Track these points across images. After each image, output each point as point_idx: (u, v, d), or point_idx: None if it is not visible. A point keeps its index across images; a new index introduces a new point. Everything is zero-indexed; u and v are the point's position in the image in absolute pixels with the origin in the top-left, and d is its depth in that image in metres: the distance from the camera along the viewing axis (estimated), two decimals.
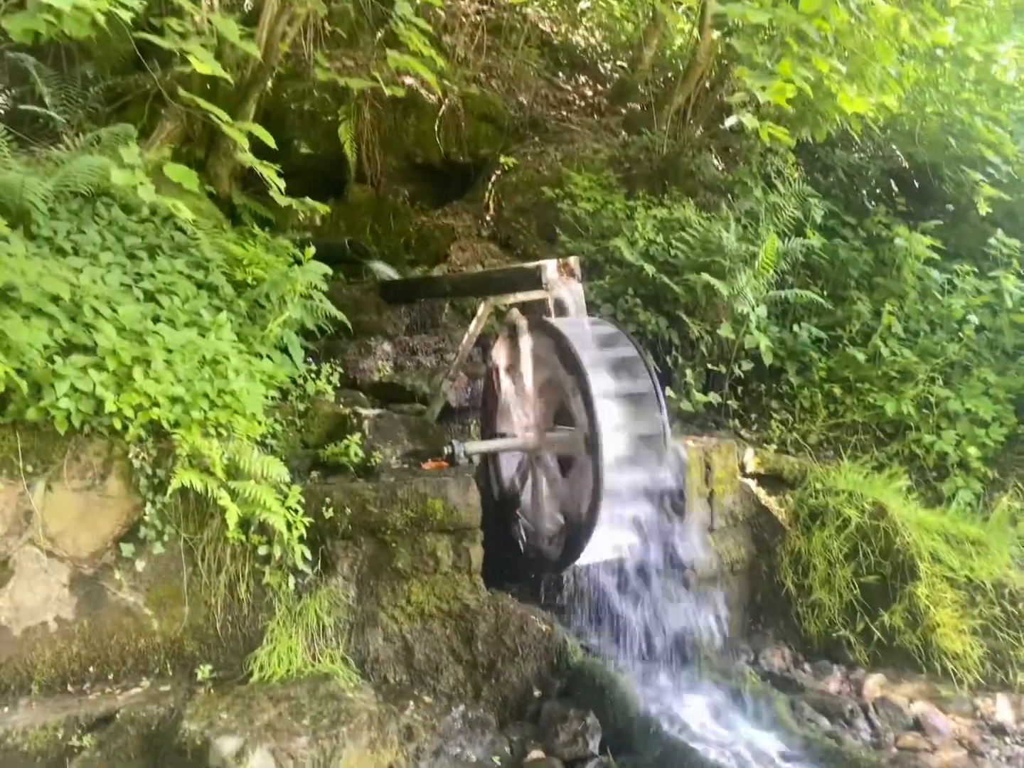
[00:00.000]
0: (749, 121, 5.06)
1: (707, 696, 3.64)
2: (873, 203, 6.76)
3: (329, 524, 3.65)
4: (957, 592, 4.28)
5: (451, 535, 3.75)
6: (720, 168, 7.07)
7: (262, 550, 3.51)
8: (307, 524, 3.53)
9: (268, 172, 4.53)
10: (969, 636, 4.19)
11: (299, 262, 4.53)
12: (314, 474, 4.00)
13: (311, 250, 4.51)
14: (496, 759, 3.43)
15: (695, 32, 7.62)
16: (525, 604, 3.94)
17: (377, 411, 4.26)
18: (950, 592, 4.28)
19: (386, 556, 3.70)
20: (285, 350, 4.49)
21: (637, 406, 3.79)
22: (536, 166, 7.17)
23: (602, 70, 9.12)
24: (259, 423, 3.72)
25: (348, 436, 4.06)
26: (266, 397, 3.90)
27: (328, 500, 3.65)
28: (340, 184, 7.51)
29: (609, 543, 3.82)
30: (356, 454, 3.93)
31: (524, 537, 4.25)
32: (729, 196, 6.55)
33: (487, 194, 7.31)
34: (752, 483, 4.72)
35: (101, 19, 3.47)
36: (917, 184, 6.63)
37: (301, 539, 3.52)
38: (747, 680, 3.79)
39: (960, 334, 5.54)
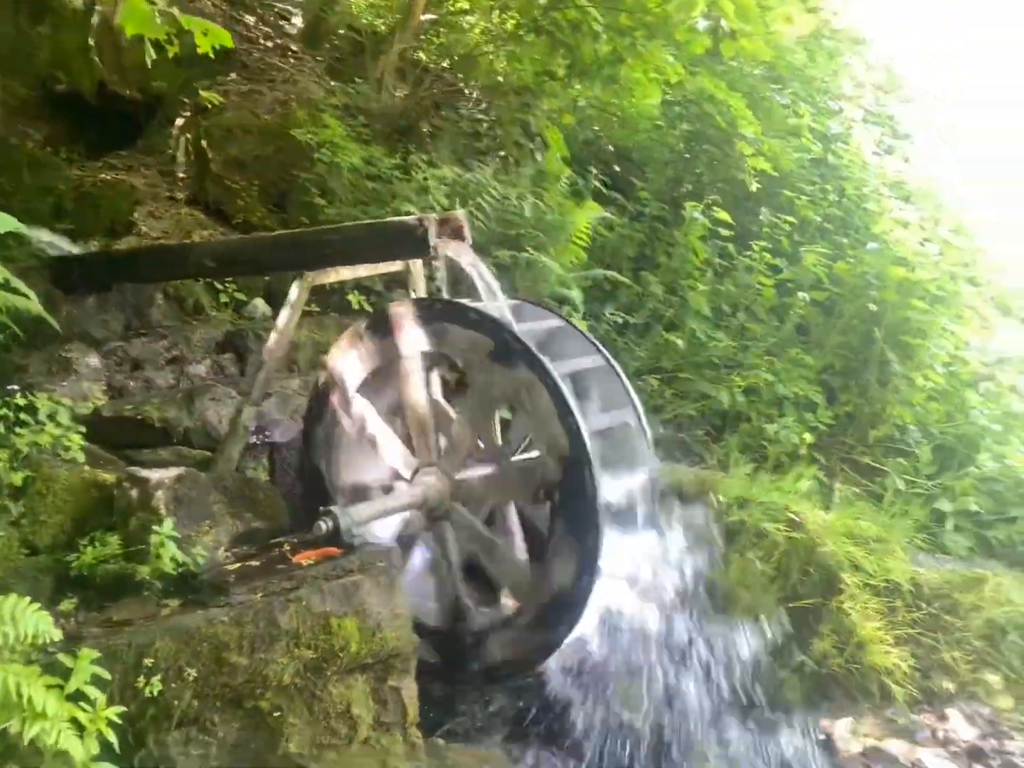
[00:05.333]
0: None
1: None
2: (639, 180, 6.26)
3: (154, 708, 1.87)
4: (878, 600, 3.83)
5: (371, 672, 2.20)
6: (479, 130, 6.00)
7: None
8: (114, 718, 1.73)
9: None
10: (896, 648, 3.77)
11: None
12: (66, 604, 2.11)
13: None
14: None
15: None
16: (459, 745, 2.54)
17: (176, 471, 2.41)
18: (872, 601, 3.81)
19: (265, 738, 2.03)
20: None
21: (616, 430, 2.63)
22: (252, 107, 5.38)
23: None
24: None
25: (127, 521, 2.23)
26: None
27: (148, 660, 1.86)
28: None
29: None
30: (171, 556, 2.13)
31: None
32: (503, 159, 5.54)
33: (177, 142, 5.33)
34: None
35: None
36: (687, 157, 6.28)
37: (106, 752, 1.71)
38: None
39: (780, 314, 5.22)
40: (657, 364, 5.14)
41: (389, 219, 2.90)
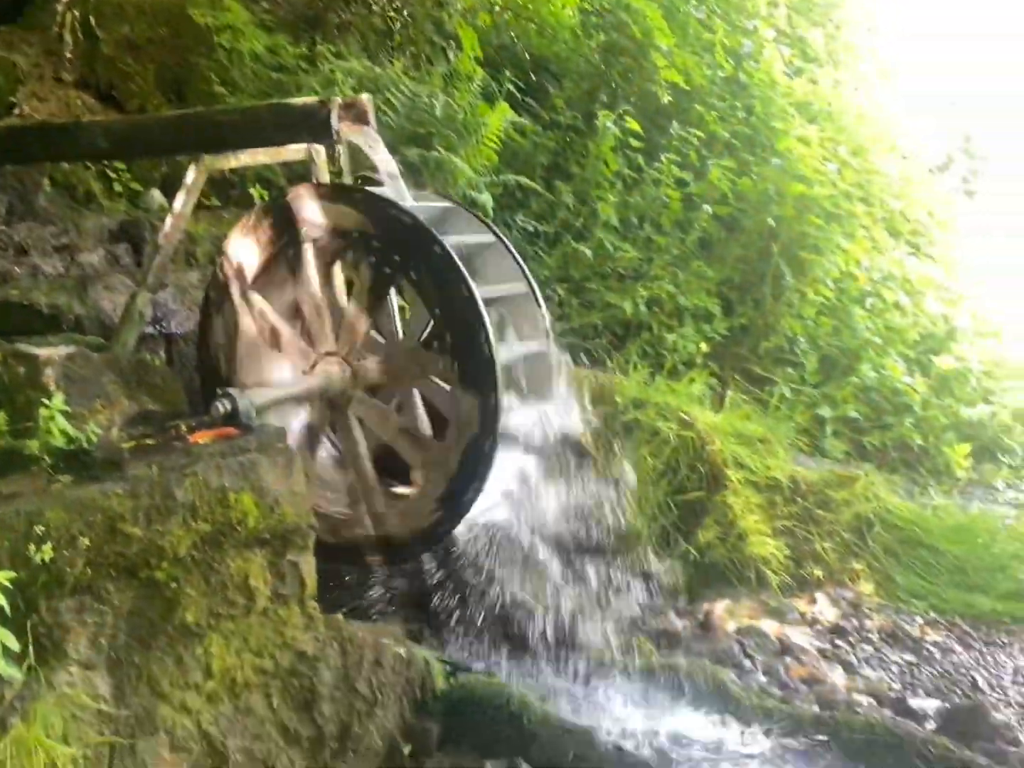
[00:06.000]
0: None
1: (624, 687, 2.82)
2: (556, 90, 6.19)
3: (46, 575, 1.87)
4: (759, 495, 4.09)
5: (268, 547, 2.24)
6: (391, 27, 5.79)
7: None
8: (5, 583, 1.74)
9: None
10: (773, 538, 4.05)
11: None
12: None
13: None
14: None
15: None
16: (359, 622, 2.64)
17: (66, 349, 2.35)
18: (754, 496, 4.07)
19: (161, 608, 2.06)
20: None
21: (516, 316, 2.68)
22: None
23: None
24: None
25: (13, 399, 2.18)
26: None
27: (39, 529, 1.86)
28: None
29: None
30: (61, 430, 2.10)
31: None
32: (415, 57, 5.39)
33: (64, 19, 4.95)
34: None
35: None
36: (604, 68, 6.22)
37: None
38: (642, 653, 3.06)
39: (685, 227, 5.33)
40: (566, 274, 5.20)
41: (291, 100, 2.82)
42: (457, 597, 3.03)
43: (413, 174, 4.51)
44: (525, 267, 2.89)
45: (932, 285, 6.03)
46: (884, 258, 5.95)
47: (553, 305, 5.07)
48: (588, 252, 5.10)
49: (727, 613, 3.68)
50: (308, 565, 2.33)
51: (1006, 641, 3.56)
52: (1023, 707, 3.11)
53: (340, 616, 2.57)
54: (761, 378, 5.12)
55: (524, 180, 5.28)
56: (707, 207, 5.19)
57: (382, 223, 2.51)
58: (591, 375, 4.09)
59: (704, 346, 4.98)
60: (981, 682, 3.27)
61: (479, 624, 3.00)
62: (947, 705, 3.03)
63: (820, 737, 2.53)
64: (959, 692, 3.20)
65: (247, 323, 2.80)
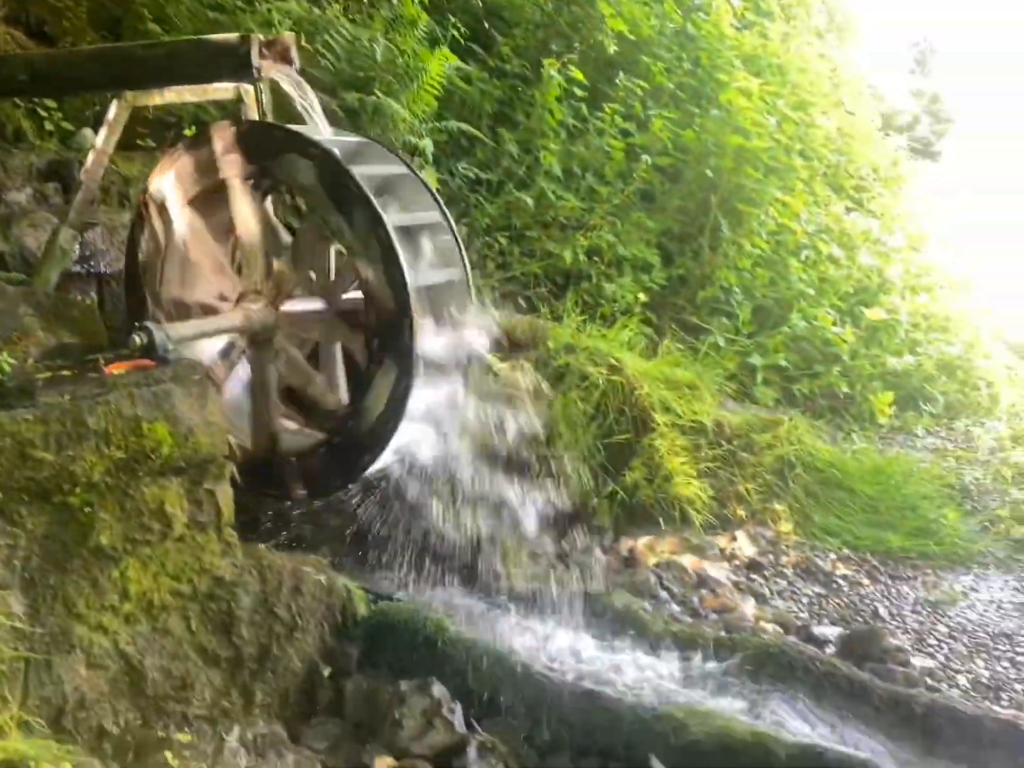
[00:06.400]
0: None
1: (540, 614, 2.95)
2: (499, 33, 6.15)
3: None
4: (686, 438, 4.23)
5: (185, 475, 2.31)
6: None
7: None
8: None
9: None
10: (698, 480, 4.20)
11: None
12: None
13: None
14: None
15: None
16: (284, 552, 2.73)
17: None
18: (680, 439, 4.21)
19: (76, 532, 2.13)
20: None
21: (433, 249, 2.74)
22: None
23: None
24: None
25: None
26: None
27: None
28: None
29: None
30: None
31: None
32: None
33: None
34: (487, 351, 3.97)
35: None
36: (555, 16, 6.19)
37: None
38: (562, 582, 3.19)
39: (627, 178, 5.38)
40: (507, 222, 5.25)
41: (211, 36, 2.81)
42: (381, 530, 3.13)
43: (352, 118, 4.52)
44: (439, 197, 2.93)
45: (868, 240, 6.17)
46: (822, 212, 6.07)
47: (494, 253, 5.14)
48: (530, 201, 5.14)
49: (649, 548, 3.83)
50: (224, 494, 2.40)
51: (911, 575, 3.76)
52: (918, 633, 3.30)
53: (260, 545, 2.66)
54: (697, 328, 5.24)
55: (468, 128, 5.28)
56: (647, 158, 5.24)
57: (318, 170, 2.54)
58: (524, 320, 4.17)
59: (642, 296, 5.07)
60: (883, 611, 3.46)
61: (402, 555, 3.11)
62: (847, 632, 3.21)
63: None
64: (861, 620, 3.39)
65: (173, 249, 2.83)
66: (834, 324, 5.27)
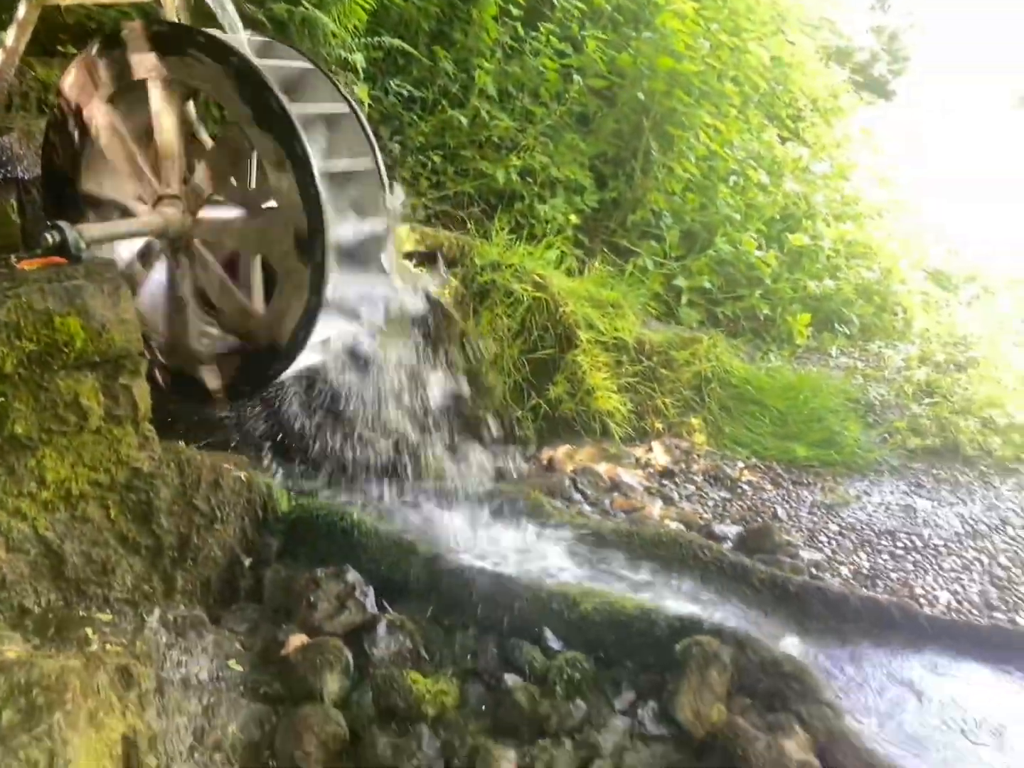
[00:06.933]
0: None
1: (454, 508, 3.12)
2: None
3: None
4: (608, 355, 4.39)
5: (100, 370, 2.38)
6: None
7: None
8: None
9: None
10: (618, 394, 4.37)
11: None
12: None
13: None
14: (235, 664, 2.47)
15: None
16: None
17: None
18: (603, 355, 4.36)
19: None
20: None
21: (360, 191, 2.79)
22: None
23: None
24: None
25: None
26: None
27: None
28: None
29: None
30: None
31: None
32: None
33: None
34: (411, 264, 4.05)
35: None
36: None
37: None
38: (478, 481, 3.36)
39: (558, 98, 5.40)
40: (441, 141, 5.26)
41: None
42: (305, 434, 3.25)
43: (280, 29, 4.46)
44: (375, 143, 2.95)
45: (798, 168, 6.31)
46: (755, 139, 6.17)
47: (427, 172, 5.16)
48: (464, 120, 5.15)
49: (567, 456, 4.02)
50: (141, 389, 2.48)
51: (811, 481, 4.01)
52: (811, 531, 3.55)
53: (181, 443, 2.76)
54: (627, 250, 5.36)
55: (403, 45, 5.23)
56: (579, 79, 5.27)
57: (218, 68, 2.55)
58: (451, 236, 4.24)
59: (574, 218, 5.16)
60: (781, 513, 3.70)
61: (324, 457, 3.24)
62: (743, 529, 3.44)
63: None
64: (760, 521, 3.63)
65: (90, 147, 2.82)
66: (758, 248, 5.43)
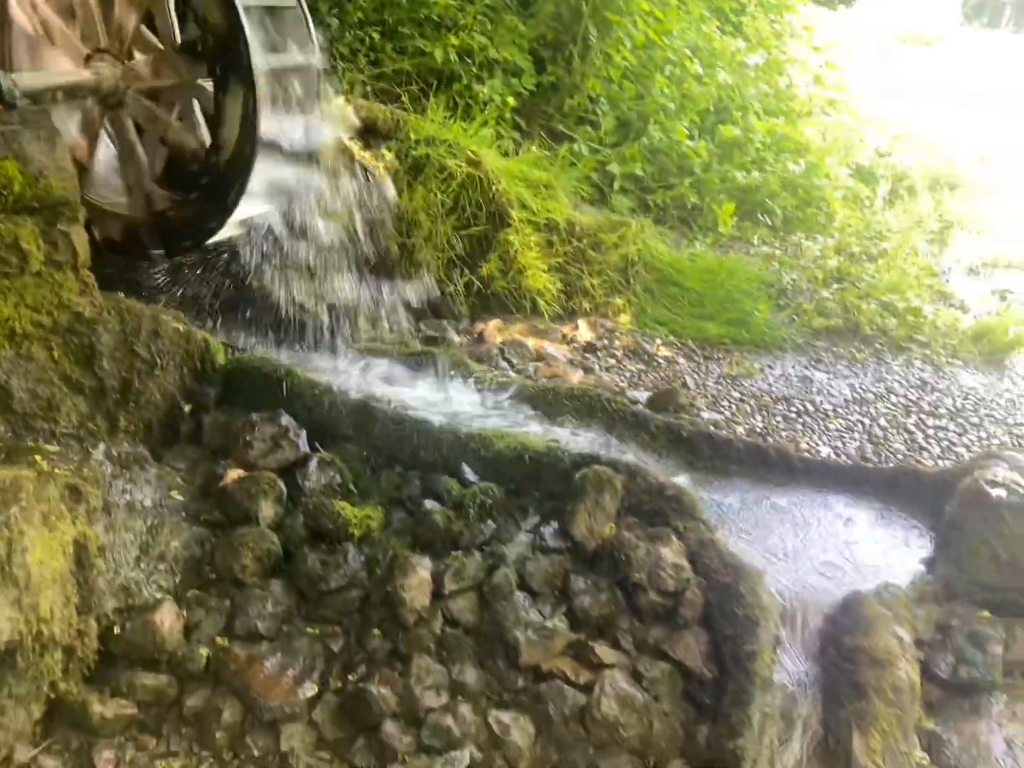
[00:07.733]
0: None
1: (386, 367, 3.33)
2: None
3: None
4: (539, 235, 4.56)
5: (39, 216, 2.50)
6: None
7: None
8: None
9: None
10: (548, 274, 4.58)
11: None
12: None
13: None
14: (177, 495, 2.69)
15: None
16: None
17: None
18: (534, 235, 4.54)
19: None
20: None
21: (277, 22, 2.85)
22: None
23: None
24: None
25: None
26: None
27: None
28: None
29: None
30: None
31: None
32: None
33: None
34: (345, 137, 4.12)
35: None
36: None
37: None
38: (409, 344, 3.57)
39: None
40: (380, 17, 5.23)
41: None
42: (244, 298, 3.40)
43: None
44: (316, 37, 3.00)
45: (734, 61, 6.41)
46: (691, 28, 6.24)
47: (365, 48, 5.15)
48: None
49: (497, 329, 4.24)
50: (80, 236, 2.60)
51: (721, 356, 4.32)
52: (715, 398, 3.87)
53: (120, 294, 2.90)
54: (564, 135, 5.47)
55: None
56: None
57: None
58: (386, 110, 4.31)
59: (512, 100, 5.23)
60: (690, 382, 4.01)
61: (263, 319, 3.41)
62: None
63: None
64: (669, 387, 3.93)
65: (19, 16, 2.84)
66: (690, 139, 5.59)
